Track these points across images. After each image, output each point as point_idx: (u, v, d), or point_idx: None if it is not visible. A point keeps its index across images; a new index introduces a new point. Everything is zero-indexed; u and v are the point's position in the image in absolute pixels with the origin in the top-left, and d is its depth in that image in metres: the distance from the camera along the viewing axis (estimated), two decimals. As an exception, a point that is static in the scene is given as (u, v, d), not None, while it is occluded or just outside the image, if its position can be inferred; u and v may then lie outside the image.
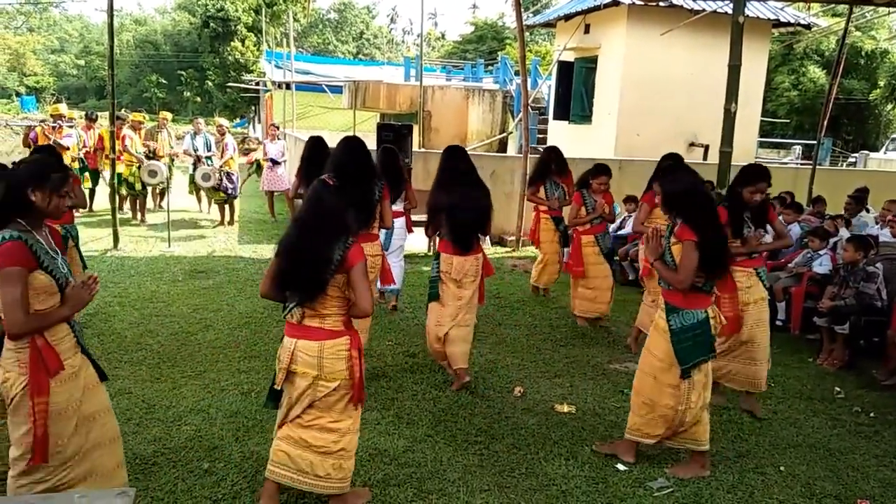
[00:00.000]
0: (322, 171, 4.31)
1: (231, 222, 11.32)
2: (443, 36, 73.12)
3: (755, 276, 4.61)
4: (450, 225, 4.77)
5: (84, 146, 11.04)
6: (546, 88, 17.38)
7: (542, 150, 8.84)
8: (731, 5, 5.43)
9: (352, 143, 4.68)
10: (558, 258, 7.41)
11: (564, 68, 14.97)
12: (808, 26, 14.67)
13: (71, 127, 10.76)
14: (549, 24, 16.40)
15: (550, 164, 7.18)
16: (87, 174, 11.32)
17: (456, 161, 5.01)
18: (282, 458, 3.17)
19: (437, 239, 5.03)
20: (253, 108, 39.06)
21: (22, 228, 2.67)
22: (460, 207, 4.73)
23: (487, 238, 6.18)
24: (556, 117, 15.57)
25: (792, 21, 13.98)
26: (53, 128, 10.31)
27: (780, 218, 5.13)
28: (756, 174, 4.46)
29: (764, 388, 4.73)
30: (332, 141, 5.43)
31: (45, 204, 2.73)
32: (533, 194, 7.31)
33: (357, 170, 4.50)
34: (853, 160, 22.93)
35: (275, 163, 11.68)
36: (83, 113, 12.45)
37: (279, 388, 3.16)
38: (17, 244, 2.61)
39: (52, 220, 3.00)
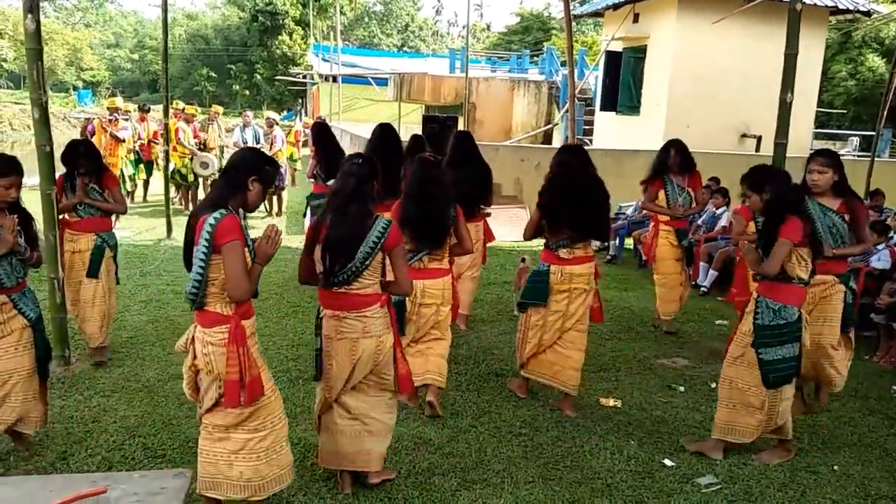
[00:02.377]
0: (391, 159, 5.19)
1: (279, 213, 11.52)
2: (488, 27, 72.68)
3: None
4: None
5: (139, 138, 11.35)
6: (593, 79, 17.17)
7: (586, 140, 8.46)
8: (788, -8, 5.27)
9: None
10: (682, 281, 6.11)
11: (612, 58, 14.76)
12: (867, 13, 14.15)
13: (126, 119, 11.08)
14: (596, 14, 16.18)
15: (668, 161, 5.87)
16: (141, 165, 11.66)
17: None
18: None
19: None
20: (300, 100, 39.59)
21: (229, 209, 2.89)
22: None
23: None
24: (603, 108, 15.38)
25: (850, 8, 13.50)
26: (110, 120, 10.62)
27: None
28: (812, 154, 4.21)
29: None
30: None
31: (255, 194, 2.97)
32: (650, 200, 5.96)
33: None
34: (914, 152, 22.04)
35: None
36: (136, 105, 12.81)
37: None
38: (236, 219, 2.84)
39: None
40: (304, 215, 7.80)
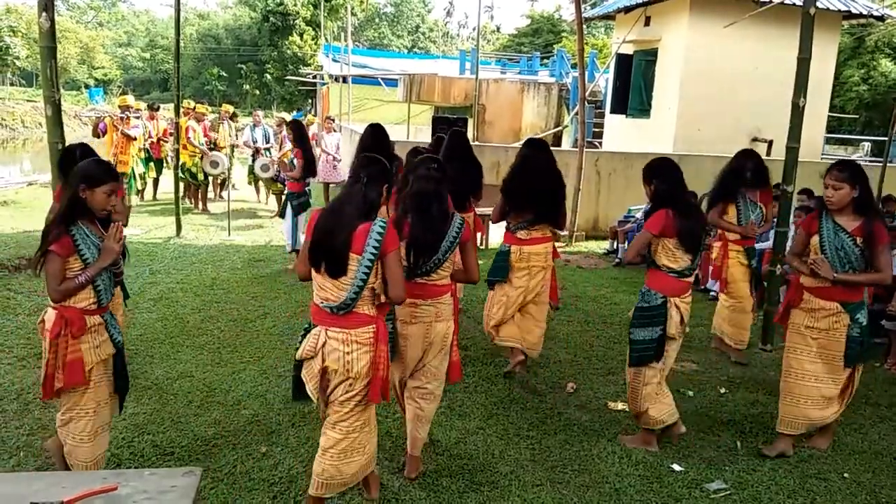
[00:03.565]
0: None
1: (288, 213, 11.53)
2: (498, 29, 72.74)
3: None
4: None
5: (149, 136, 11.41)
6: (603, 81, 17.13)
7: (596, 143, 8.42)
8: (801, -4, 5.25)
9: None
10: (753, 304, 5.59)
11: (623, 61, 14.73)
12: (881, 18, 14.07)
13: (137, 118, 11.13)
14: (607, 17, 16.13)
15: (745, 174, 5.30)
16: (151, 164, 11.72)
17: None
18: None
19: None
20: (310, 100, 39.70)
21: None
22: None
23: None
24: (613, 111, 15.34)
25: (864, 12, 13.41)
26: (121, 118, 10.67)
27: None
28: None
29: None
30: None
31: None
32: (720, 215, 5.38)
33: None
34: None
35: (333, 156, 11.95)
36: (146, 104, 12.88)
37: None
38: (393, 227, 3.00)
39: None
40: (283, 216, 7.85)
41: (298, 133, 7.40)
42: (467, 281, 3.67)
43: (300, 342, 3.04)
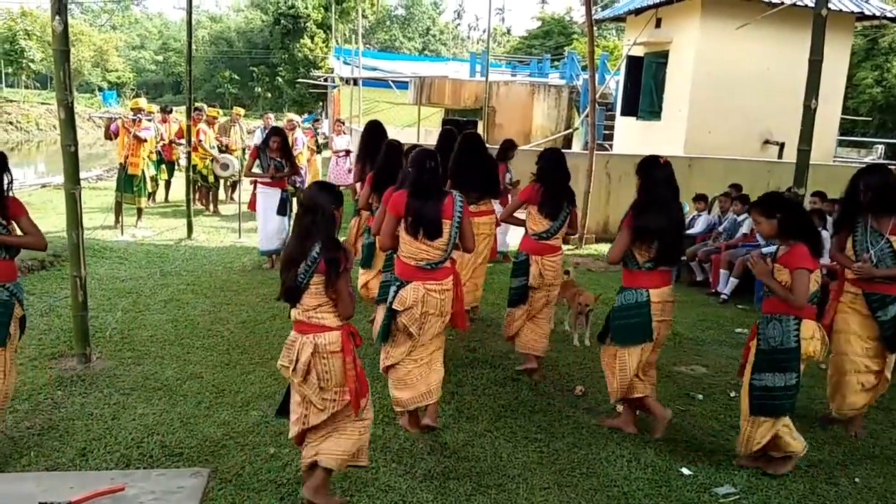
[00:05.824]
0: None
1: (299, 215, 11.58)
2: (509, 31, 72.74)
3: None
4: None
5: (161, 139, 11.48)
6: (614, 84, 17.09)
7: (606, 145, 8.60)
8: (813, -2, 5.21)
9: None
10: (874, 369, 4.27)
11: (634, 63, 14.69)
12: (894, 19, 13.95)
13: (150, 120, 11.20)
14: (618, 19, 16.10)
15: (862, 195, 4.13)
16: (163, 166, 11.79)
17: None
18: None
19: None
20: (321, 103, 39.82)
21: None
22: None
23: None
24: (623, 113, 15.30)
25: (877, 14, 13.31)
26: (133, 121, 10.74)
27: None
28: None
29: None
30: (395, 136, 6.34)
31: None
32: (839, 248, 4.31)
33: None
34: (941, 160, 21.68)
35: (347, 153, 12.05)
36: (159, 106, 12.96)
37: None
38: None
39: None
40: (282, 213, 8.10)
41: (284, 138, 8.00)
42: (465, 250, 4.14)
43: (393, 294, 3.80)
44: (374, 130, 6.52)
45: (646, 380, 4.15)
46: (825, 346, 3.78)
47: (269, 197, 7.85)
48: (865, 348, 4.21)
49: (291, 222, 7.74)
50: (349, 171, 12.08)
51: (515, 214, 5.20)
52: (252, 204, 8.32)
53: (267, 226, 7.88)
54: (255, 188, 8.25)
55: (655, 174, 4.06)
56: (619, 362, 4.08)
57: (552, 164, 4.90)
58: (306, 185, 11.76)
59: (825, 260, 4.44)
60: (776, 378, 3.62)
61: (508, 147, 8.01)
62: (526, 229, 4.97)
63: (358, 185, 6.74)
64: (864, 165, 4.73)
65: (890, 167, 4.22)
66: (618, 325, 4.08)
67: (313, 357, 3.04)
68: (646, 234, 3.94)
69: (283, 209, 7.92)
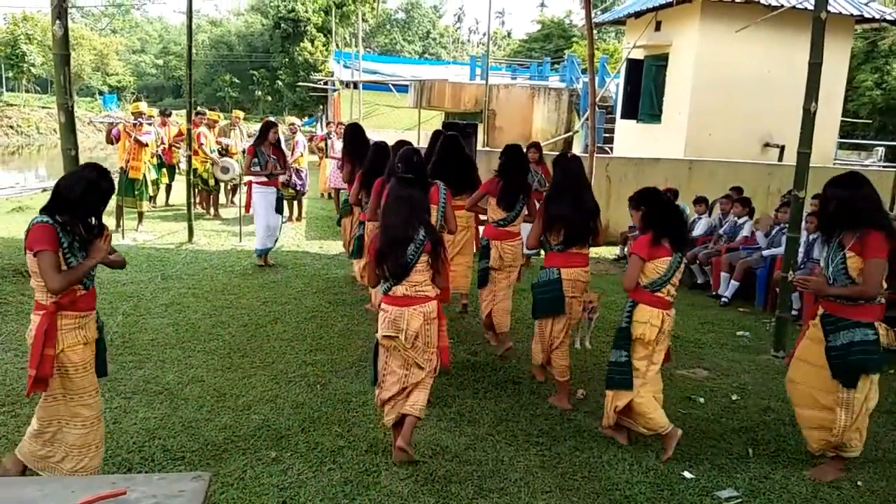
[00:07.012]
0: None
1: (299, 218, 11.58)
2: (509, 35, 72.87)
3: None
4: None
5: (161, 143, 11.48)
6: (614, 87, 17.10)
7: (607, 148, 8.71)
8: (813, 1, 5.22)
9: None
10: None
11: (634, 66, 14.71)
12: (894, 22, 13.97)
13: (150, 124, 11.21)
14: (618, 22, 16.13)
15: (847, 208, 3.63)
16: (164, 170, 11.79)
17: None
18: None
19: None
20: (321, 106, 39.83)
21: None
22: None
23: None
24: (623, 116, 15.32)
25: (877, 16, 13.33)
26: (134, 125, 10.76)
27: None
28: None
29: None
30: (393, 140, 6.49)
31: None
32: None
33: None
34: (941, 163, 21.68)
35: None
36: (159, 110, 12.97)
37: None
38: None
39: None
40: (280, 211, 8.33)
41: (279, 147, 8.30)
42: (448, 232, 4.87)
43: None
44: (357, 132, 7.07)
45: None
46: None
47: (266, 196, 7.98)
48: (816, 377, 3.73)
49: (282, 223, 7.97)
50: None
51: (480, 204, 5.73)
52: (248, 205, 8.37)
53: (269, 224, 8.02)
54: (249, 189, 8.28)
55: (563, 166, 4.67)
56: (539, 331, 4.66)
57: (510, 160, 5.41)
58: (307, 188, 11.81)
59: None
60: None
61: (531, 148, 8.16)
62: (487, 218, 5.53)
63: (346, 185, 7.25)
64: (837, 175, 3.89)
65: (859, 177, 3.74)
66: (536, 300, 4.62)
67: (422, 324, 3.56)
68: (554, 220, 4.46)
69: (280, 208, 8.15)
